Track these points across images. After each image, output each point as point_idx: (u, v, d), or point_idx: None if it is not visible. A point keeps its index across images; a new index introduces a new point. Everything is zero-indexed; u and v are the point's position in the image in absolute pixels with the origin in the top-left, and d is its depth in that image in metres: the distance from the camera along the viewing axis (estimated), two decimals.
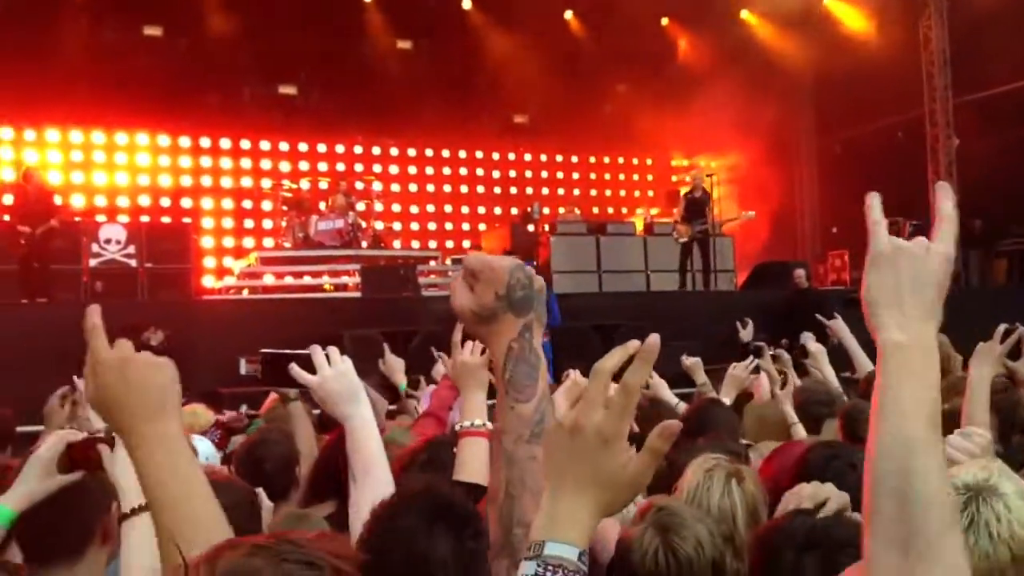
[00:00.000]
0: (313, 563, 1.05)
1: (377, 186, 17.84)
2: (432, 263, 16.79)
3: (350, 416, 2.24)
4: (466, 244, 19.93)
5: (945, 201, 1.31)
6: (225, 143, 18.59)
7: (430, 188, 20.35)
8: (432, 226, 20.23)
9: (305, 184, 17.32)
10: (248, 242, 18.11)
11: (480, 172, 20.90)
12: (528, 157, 21.34)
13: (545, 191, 21.24)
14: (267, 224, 18.22)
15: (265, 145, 18.90)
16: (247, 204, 18.52)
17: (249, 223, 18.47)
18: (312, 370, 2.28)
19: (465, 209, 20.66)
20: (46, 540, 2.18)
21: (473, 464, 2.55)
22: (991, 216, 17.40)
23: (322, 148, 19.36)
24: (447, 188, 20.50)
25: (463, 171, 20.73)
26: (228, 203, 18.47)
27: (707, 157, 21.30)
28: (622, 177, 22.51)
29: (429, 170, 20.39)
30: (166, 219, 17.15)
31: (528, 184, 21.30)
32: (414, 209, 20.12)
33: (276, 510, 3.37)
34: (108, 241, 13.37)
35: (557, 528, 1.16)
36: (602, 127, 19.85)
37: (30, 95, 15.55)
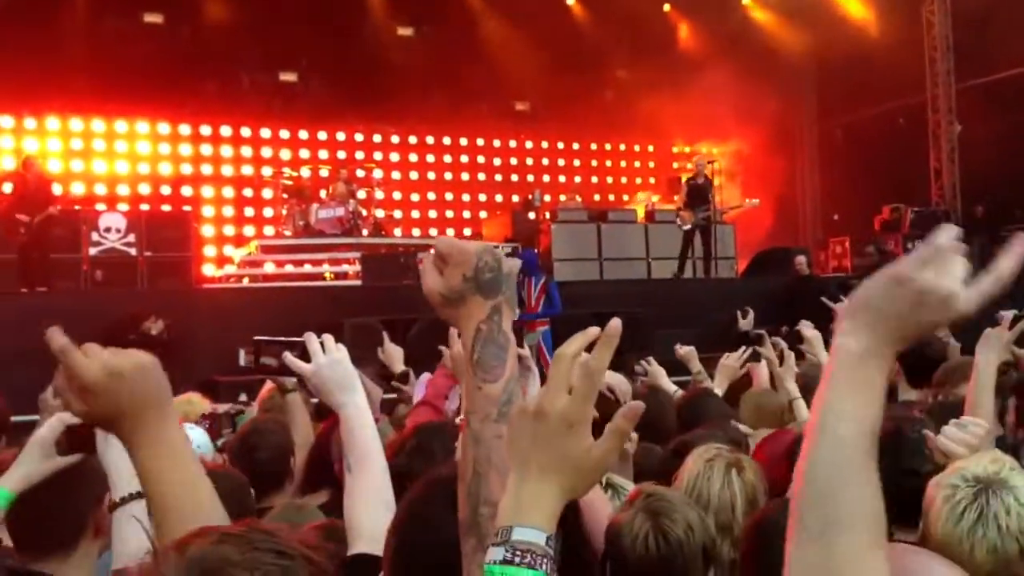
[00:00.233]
0: (284, 552, 1.05)
1: (378, 174, 17.81)
2: (433, 251, 16.75)
3: (344, 404, 2.22)
4: (467, 232, 19.91)
5: (1009, 258, 1.24)
6: (225, 131, 18.55)
7: (431, 176, 20.31)
8: (433, 214, 20.20)
9: (305, 172, 17.29)
10: (248, 230, 18.09)
11: (481, 159, 20.86)
12: (529, 144, 21.29)
13: (546, 178, 21.19)
14: (267, 212, 18.19)
15: (265, 133, 18.86)
16: (247, 192, 18.49)
17: (249, 211, 18.45)
18: (307, 358, 2.26)
19: (466, 197, 20.63)
20: (39, 532, 2.19)
21: None
22: (993, 202, 17.38)
23: (322, 136, 19.31)
24: (448, 175, 20.47)
25: (464, 158, 20.69)
26: (228, 191, 18.44)
27: (708, 144, 21.24)
28: (623, 164, 22.46)
29: (430, 157, 20.35)
30: (166, 207, 17.14)
31: (529, 171, 21.26)
32: (415, 197, 20.08)
33: (272, 500, 3.36)
34: (108, 230, 13.36)
35: (523, 513, 1.16)
36: (603, 114, 19.81)
37: (30, 83, 15.53)
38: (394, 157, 19.90)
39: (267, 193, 18.13)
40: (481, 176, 20.83)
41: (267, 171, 18.02)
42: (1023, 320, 3.55)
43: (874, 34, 18.79)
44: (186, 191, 17.95)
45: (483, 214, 20.22)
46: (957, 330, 5.26)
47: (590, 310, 12.55)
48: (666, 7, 20.84)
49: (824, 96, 21.54)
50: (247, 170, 18.62)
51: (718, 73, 18.39)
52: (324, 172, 17.48)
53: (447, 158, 20.50)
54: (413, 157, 20.20)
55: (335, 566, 1.10)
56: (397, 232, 18.22)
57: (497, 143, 20.92)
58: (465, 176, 20.68)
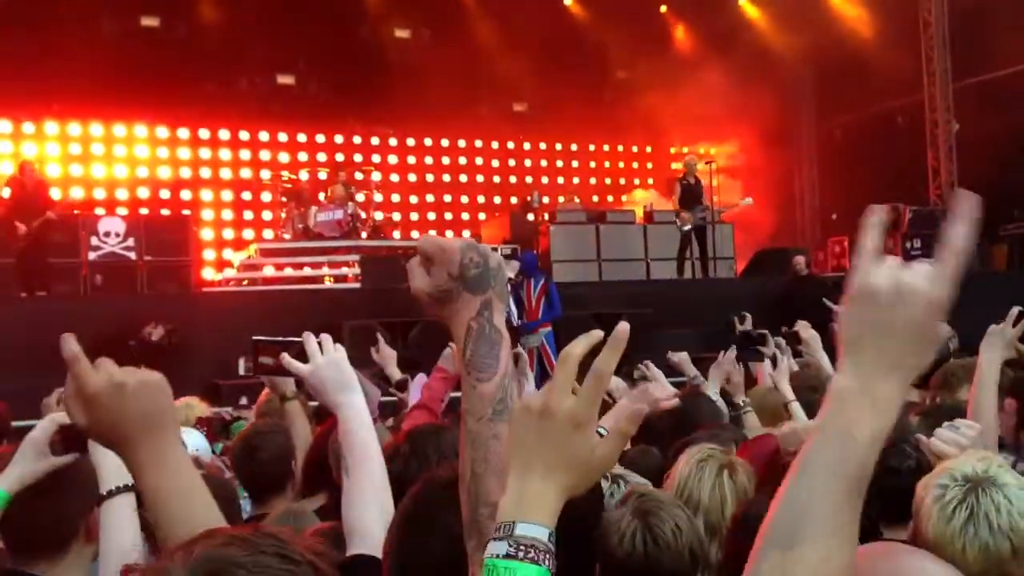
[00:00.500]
0: (290, 557, 1.05)
1: (376, 176, 17.82)
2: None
3: (342, 405, 2.21)
4: (466, 233, 19.90)
5: (958, 223, 1.17)
6: (224, 134, 18.56)
7: (429, 178, 20.33)
8: (432, 216, 20.21)
9: (304, 175, 17.29)
10: (248, 234, 18.09)
11: (479, 161, 20.88)
12: (527, 146, 21.30)
13: (545, 180, 21.20)
14: (266, 215, 18.20)
15: (264, 136, 18.86)
16: (246, 195, 18.50)
17: (248, 214, 18.46)
18: (305, 358, 2.25)
19: (465, 198, 20.64)
20: (29, 535, 2.20)
21: None
22: (992, 201, 17.36)
23: (320, 138, 19.32)
24: (446, 177, 20.48)
25: (462, 160, 20.70)
26: (227, 195, 18.45)
27: (706, 144, 21.25)
28: (621, 165, 22.47)
29: (428, 159, 20.36)
30: (165, 211, 17.14)
31: (527, 173, 21.27)
32: (413, 199, 20.09)
33: (273, 504, 3.36)
34: (107, 234, 13.36)
35: (526, 509, 1.16)
36: (601, 115, 19.83)
37: (28, 88, 15.54)
38: (392, 159, 19.91)
39: (266, 196, 18.13)
40: (479, 178, 20.84)
41: (266, 174, 18.03)
42: None
43: (871, 33, 18.80)
44: (185, 195, 17.95)
45: (482, 216, 20.23)
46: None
47: (589, 311, 12.58)
48: (663, 8, 20.86)
49: (822, 96, 21.55)
50: (246, 173, 18.63)
51: (715, 74, 18.41)
52: (323, 175, 17.49)
53: (445, 160, 20.51)
54: (411, 159, 20.21)
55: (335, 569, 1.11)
56: (396, 234, 18.22)
57: (495, 145, 20.93)
58: (463, 178, 20.68)
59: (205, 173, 18.39)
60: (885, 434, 1.13)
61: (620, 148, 22.32)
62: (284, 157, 18.88)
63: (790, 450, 2.37)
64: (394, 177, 19.78)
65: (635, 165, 22.57)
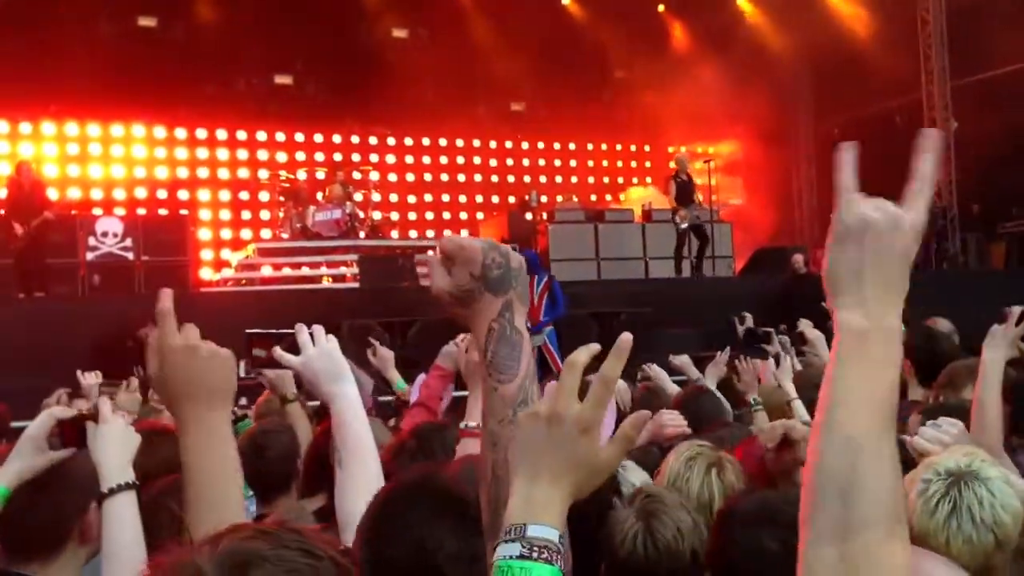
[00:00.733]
0: (313, 553, 1.07)
1: (374, 176, 17.81)
2: (430, 253, 16.73)
3: (335, 395, 2.20)
4: (464, 233, 19.90)
5: (925, 156, 1.21)
6: (221, 134, 18.55)
7: (427, 177, 20.32)
8: (430, 215, 20.21)
9: (302, 174, 17.28)
10: (246, 233, 18.08)
11: (477, 160, 20.87)
12: (525, 145, 21.29)
13: (543, 179, 21.20)
14: (264, 215, 18.20)
15: (261, 135, 18.85)
16: (244, 195, 18.49)
17: (246, 214, 18.45)
18: (298, 351, 2.24)
19: (463, 198, 20.63)
20: (23, 535, 2.20)
21: None
22: (990, 199, 17.40)
23: (318, 138, 19.32)
24: (444, 177, 20.47)
25: (460, 160, 20.69)
26: (225, 194, 18.44)
27: (704, 143, 21.26)
28: (620, 164, 22.48)
29: (426, 159, 20.36)
30: (163, 211, 17.13)
31: (525, 172, 21.26)
32: (411, 199, 20.09)
33: (277, 503, 3.36)
34: (105, 234, 13.36)
35: (536, 511, 1.18)
36: (599, 114, 19.84)
37: (25, 88, 15.52)
38: (390, 159, 19.91)
39: (264, 196, 18.12)
40: (477, 177, 20.83)
41: (263, 174, 18.02)
42: None
43: (869, 32, 18.82)
44: (183, 195, 17.94)
45: (480, 215, 20.24)
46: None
47: (588, 310, 12.57)
48: (660, 7, 20.86)
49: (820, 94, 21.56)
50: (243, 173, 18.62)
51: (713, 73, 18.41)
52: (320, 175, 17.48)
53: (443, 159, 20.51)
54: (409, 159, 20.21)
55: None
56: (394, 234, 18.23)
57: (493, 144, 20.93)
58: (461, 177, 20.68)
59: (203, 173, 18.38)
60: (900, 363, 1.16)
61: (618, 147, 22.33)
62: (282, 157, 18.87)
63: (768, 446, 2.38)
64: (392, 177, 19.78)
65: (633, 164, 22.58)
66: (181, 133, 18.21)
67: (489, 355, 1.40)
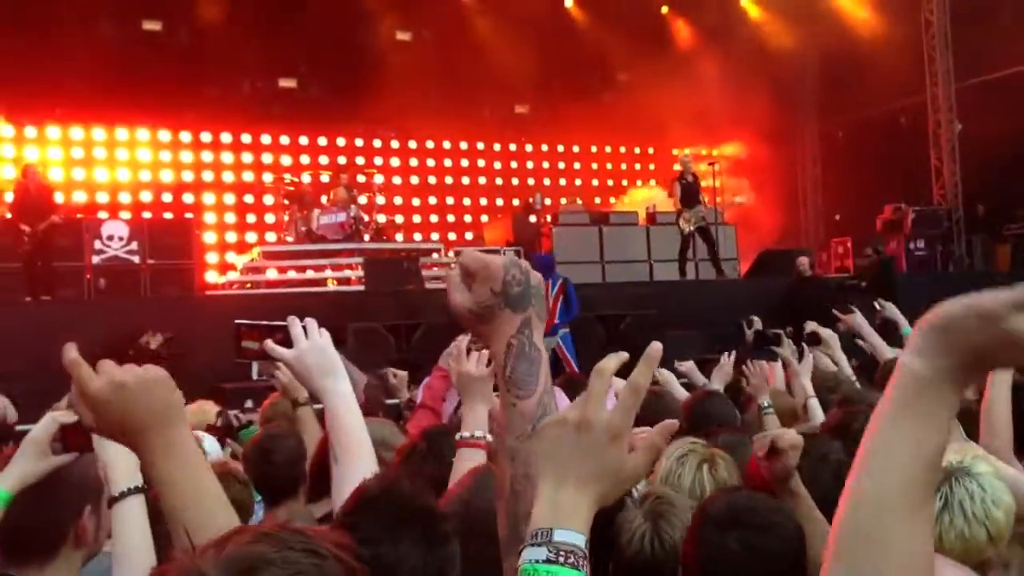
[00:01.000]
0: (317, 552, 1.07)
1: (378, 179, 17.82)
2: (435, 255, 16.76)
3: (328, 390, 2.18)
4: (468, 236, 19.92)
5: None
6: (226, 137, 18.58)
7: (432, 180, 20.33)
8: (434, 218, 20.22)
9: (306, 178, 17.29)
10: (250, 237, 18.09)
11: (481, 163, 20.88)
12: (529, 147, 21.31)
13: (547, 181, 21.19)
14: (269, 218, 18.21)
15: (266, 139, 18.88)
16: (249, 199, 18.52)
17: (251, 218, 18.48)
18: (290, 345, 2.21)
19: (467, 201, 20.64)
20: (18, 539, 2.20)
21: None
22: (995, 201, 17.37)
23: (323, 141, 19.34)
24: (449, 180, 20.49)
25: (464, 162, 20.71)
26: (230, 198, 18.46)
27: (708, 145, 21.26)
28: (624, 167, 22.48)
29: (430, 162, 20.37)
30: (168, 215, 17.15)
31: (529, 174, 21.27)
32: (416, 201, 20.10)
33: (285, 507, 3.36)
34: (111, 238, 13.38)
35: (562, 517, 1.17)
36: (603, 116, 19.81)
37: (30, 92, 15.57)
38: (394, 162, 19.93)
39: (268, 199, 18.15)
40: (482, 180, 20.84)
41: (268, 177, 18.05)
42: None
43: (873, 34, 18.79)
44: (188, 198, 17.97)
45: (484, 218, 20.24)
46: None
47: (594, 313, 12.58)
48: (664, 9, 20.86)
49: (824, 96, 21.54)
50: (248, 176, 18.65)
51: (717, 74, 18.42)
52: (325, 178, 17.47)
53: (447, 162, 20.52)
54: (413, 161, 20.22)
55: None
56: (399, 237, 18.24)
57: (497, 146, 20.94)
58: (466, 180, 20.69)
59: (207, 176, 18.41)
60: (945, 435, 1.11)
61: (622, 149, 22.33)
62: (286, 160, 18.90)
63: (759, 454, 2.40)
64: (396, 179, 19.80)
65: (637, 166, 22.58)
66: (186, 136, 18.25)
67: (508, 371, 1.39)
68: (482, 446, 2.60)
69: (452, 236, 19.79)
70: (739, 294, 14.29)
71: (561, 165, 21.74)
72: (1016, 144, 16.22)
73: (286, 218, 16.38)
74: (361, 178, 17.37)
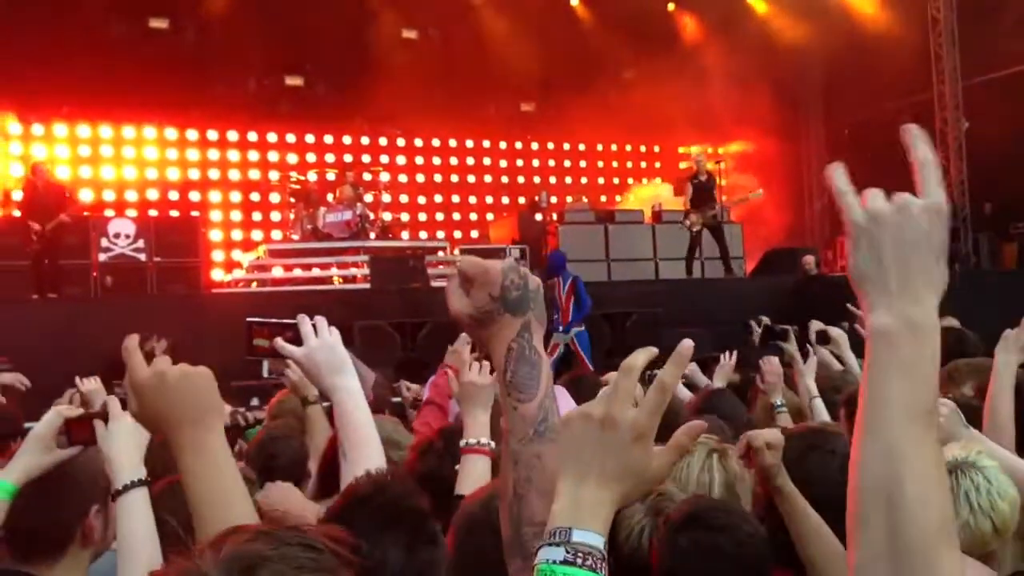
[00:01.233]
0: (313, 546, 1.08)
1: (384, 177, 17.84)
2: (440, 253, 16.79)
3: (337, 388, 2.19)
4: (474, 234, 19.94)
5: (918, 145, 1.20)
6: (232, 135, 18.61)
7: (437, 178, 20.35)
8: (440, 216, 20.24)
9: (312, 176, 17.32)
10: (256, 235, 18.13)
11: (487, 161, 20.89)
12: (535, 146, 21.31)
13: (553, 179, 21.21)
14: (275, 216, 18.24)
15: (272, 137, 18.91)
16: (255, 197, 18.55)
17: (257, 216, 18.51)
18: (300, 341, 2.23)
19: (473, 199, 20.66)
20: (27, 537, 2.21)
21: (473, 480, 2.56)
22: (1002, 199, 17.33)
23: (329, 139, 19.37)
24: (454, 178, 20.50)
25: (470, 160, 20.72)
26: (236, 196, 18.50)
27: (714, 143, 21.23)
28: (630, 165, 22.47)
29: (436, 160, 20.39)
30: (174, 213, 17.18)
31: (535, 173, 21.28)
32: (421, 199, 20.12)
33: None
34: (117, 235, 13.41)
35: (582, 516, 1.15)
36: (609, 114, 19.79)
37: (37, 90, 15.60)
38: (400, 160, 19.95)
39: (275, 197, 18.18)
40: (487, 178, 20.85)
41: (274, 175, 18.08)
42: None
43: (880, 31, 18.75)
44: (194, 196, 18.00)
45: (490, 216, 20.26)
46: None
47: (600, 311, 12.58)
48: (670, 6, 20.84)
49: (830, 94, 21.52)
50: (254, 174, 18.68)
51: (723, 72, 18.39)
52: (331, 176, 17.51)
53: (453, 160, 20.54)
54: (419, 160, 20.24)
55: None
56: (404, 235, 18.26)
57: (503, 145, 20.95)
58: (471, 178, 20.70)
59: (214, 174, 18.44)
60: (937, 358, 1.13)
61: (628, 147, 22.33)
62: (292, 158, 18.93)
63: (737, 456, 2.41)
64: (402, 177, 19.82)
65: (643, 164, 22.57)
66: (192, 134, 18.28)
67: (509, 375, 1.40)
68: (486, 452, 2.62)
69: (458, 234, 19.82)
70: (745, 292, 14.29)
71: (567, 163, 21.75)
72: (1023, 142, 16.18)
73: (292, 216, 16.41)
74: (367, 176, 17.37)
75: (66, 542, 2.25)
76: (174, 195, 17.91)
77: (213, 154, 18.48)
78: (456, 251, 17.03)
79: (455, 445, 2.77)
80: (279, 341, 2.24)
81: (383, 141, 19.75)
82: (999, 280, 15.15)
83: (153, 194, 17.75)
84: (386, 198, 17.34)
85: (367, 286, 13.84)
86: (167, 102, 16.65)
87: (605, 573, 1.14)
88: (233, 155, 18.65)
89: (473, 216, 20.50)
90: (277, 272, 15.58)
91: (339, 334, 2.27)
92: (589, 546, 1.13)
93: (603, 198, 20.88)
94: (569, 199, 18.80)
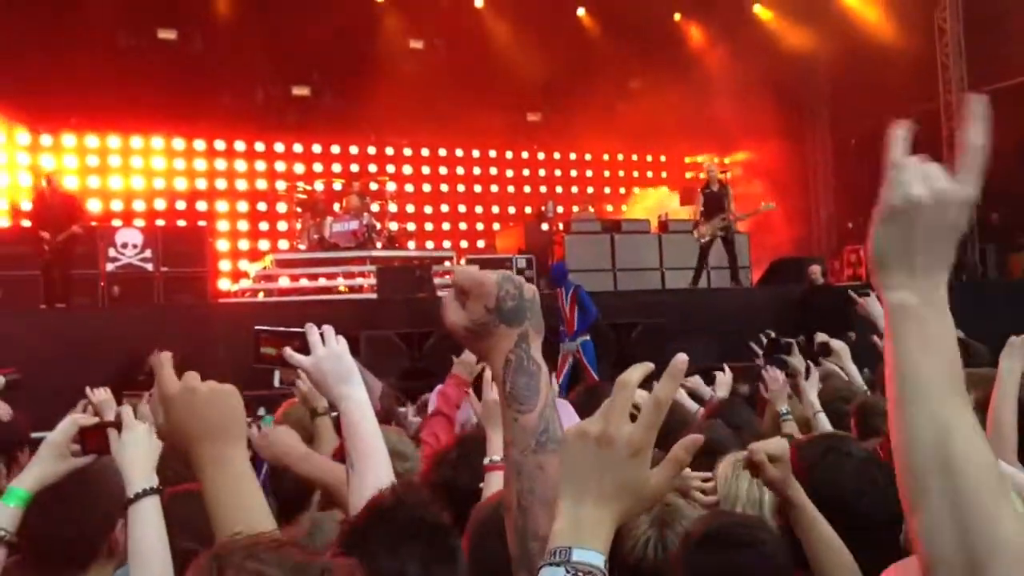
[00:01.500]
0: (306, 566, 1.10)
1: (391, 186, 17.87)
2: (447, 263, 16.79)
3: (344, 397, 2.18)
4: (480, 244, 19.96)
5: (976, 125, 1.20)
6: (239, 145, 18.67)
7: (444, 188, 20.38)
8: (446, 226, 20.26)
9: (319, 185, 17.36)
10: (263, 244, 18.18)
11: (494, 171, 20.92)
12: (541, 156, 21.34)
13: (559, 189, 21.23)
14: (282, 226, 18.28)
15: (279, 147, 18.97)
16: (262, 206, 18.60)
17: (264, 225, 18.55)
18: (308, 351, 2.23)
19: (479, 209, 20.68)
20: (52, 550, 2.22)
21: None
22: (1009, 209, 17.28)
23: (335, 149, 19.42)
24: (461, 188, 20.54)
25: (476, 170, 20.75)
26: (243, 206, 18.55)
27: (721, 152, 21.23)
28: (636, 174, 22.49)
29: (442, 170, 20.42)
30: (182, 223, 17.24)
31: (541, 183, 21.31)
32: (428, 209, 20.16)
33: (297, 520, 3.37)
34: (125, 245, 13.44)
35: (583, 535, 1.15)
36: (615, 124, 19.83)
37: (46, 100, 15.68)
38: (407, 170, 19.99)
39: (281, 207, 18.22)
40: (494, 188, 20.88)
41: (281, 185, 18.11)
42: None
43: (886, 41, 18.75)
44: (201, 206, 18.06)
45: (496, 226, 20.26)
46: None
47: (606, 321, 12.57)
48: (676, 16, 20.87)
49: (837, 104, 21.50)
50: (261, 184, 18.73)
51: (729, 82, 18.40)
52: (337, 185, 17.55)
53: (459, 170, 20.57)
54: (426, 169, 20.28)
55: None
56: (411, 245, 18.28)
57: (509, 154, 20.98)
58: (478, 188, 20.74)
59: (221, 184, 18.50)
60: (955, 338, 1.16)
61: (634, 157, 22.34)
62: (299, 168, 18.98)
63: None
64: (409, 187, 19.85)
65: (649, 174, 22.58)
66: (200, 145, 18.34)
67: (508, 386, 1.39)
68: None
69: (464, 244, 19.85)
70: (751, 302, 14.27)
71: (573, 173, 21.76)
72: None
73: (299, 226, 16.44)
74: (373, 186, 17.42)
75: (91, 555, 2.26)
76: (181, 205, 17.97)
77: (220, 164, 18.54)
78: (462, 261, 17.05)
79: (469, 455, 2.76)
80: (287, 350, 2.25)
81: (389, 151, 19.80)
82: (1006, 290, 15.12)
83: (160, 204, 17.82)
84: (392, 208, 17.37)
85: (373, 296, 13.84)
86: (175, 112, 16.70)
87: None
88: (240, 165, 18.71)
89: (479, 226, 20.52)
90: (284, 282, 15.59)
91: (347, 343, 2.27)
92: (590, 565, 1.13)
93: (609, 208, 20.89)
94: (575, 209, 18.80)
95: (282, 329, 2.33)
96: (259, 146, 18.79)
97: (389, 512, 1.81)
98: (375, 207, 16.43)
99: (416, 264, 15.12)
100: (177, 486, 2.23)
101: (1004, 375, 3.01)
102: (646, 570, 2.17)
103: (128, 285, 13.27)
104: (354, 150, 19.53)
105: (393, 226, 17.11)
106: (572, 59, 18.78)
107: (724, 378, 5.37)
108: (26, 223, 13.66)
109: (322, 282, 15.44)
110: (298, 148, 19.10)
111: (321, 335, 2.24)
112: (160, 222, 16.72)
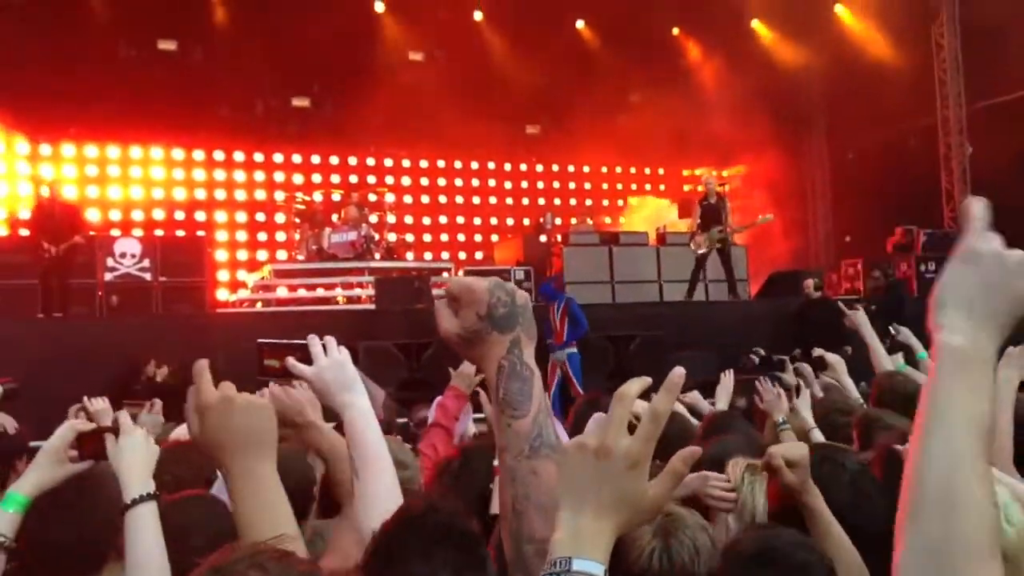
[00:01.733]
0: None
1: (390, 198, 17.88)
2: (445, 274, 16.79)
3: (347, 405, 2.19)
4: (479, 255, 19.97)
5: (972, 224, 1.26)
6: (239, 156, 18.70)
7: (442, 199, 20.41)
8: (445, 237, 20.28)
9: (318, 196, 17.37)
10: (262, 255, 18.19)
11: (492, 183, 20.96)
12: (540, 168, 21.38)
13: (557, 201, 21.27)
14: (280, 237, 18.30)
15: (278, 157, 19.00)
16: (260, 217, 18.61)
17: (263, 236, 18.56)
18: (310, 362, 2.24)
19: (478, 220, 20.71)
20: (61, 556, 2.22)
21: None
22: (1006, 225, 17.31)
23: (335, 160, 19.46)
24: (459, 199, 20.57)
25: (475, 182, 20.79)
26: (242, 216, 18.56)
27: (719, 166, 21.27)
28: (634, 187, 22.53)
29: (441, 181, 20.45)
30: (180, 232, 17.23)
31: (540, 195, 21.35)
32: (426, 220, 20.17)
33: (304, 527, 3.37)
34: (123, 255, 13.44)
35: (582, 546, 1.16)
36: (613, 137, 19.86)
37: (45, 110, 15.70)
38: (406, 181, 20.02)
39: (280, 218, 18.24)
40: (492, 200, 20.92)
41: (280, 196, 18.14)
42: None
43: (884, 56, 18.83)
44: (200, 216, 18.08)
45: (495, 238, 20.28)
46: None
47: (603, 333, 12.57)
48: (675, 30, 20.94)
49: (834, 118, 21.56)
50: (260, 195, 18.75)
51: (728, 96, 18.45)
52: (336, 196, 17.56)
53: (458, 182, 20.61)
54: (424, 181, 20.31)
55: None
56: (409, 256, 18.29)
57: (508, 166, 21.02)
58: (476, 200, 20.77)
59: (220, 195, 18.52)
60: (994, 401, 1.18)
61: (633, 170, 22.39)
62: (298, 178, 19.01)
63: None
64: (407, 199, 19.88)
65: (648, 187, 22.63)
66: (199, 155, 18.37)
67: (501, 392, 1.40)
68: None
69: (463, 255, 19.85)
70: (748, 315, 14.28)
71: (572, 185, 21.81)
72: None
73: (297, 236, 16.45)
74: (372, 197, 17.43)
75: (101, 560, 2.26)
76: (180, 215, 17.98)
77: (219, 174, 18.56)
78: (460, 273, 17.05)
79: (474, 465, 2.76)
80: (290, 360, 2.25)
81: (388, 162, 19.84)
82: None
83: (159, 214, 17.83)
84: (391, 219, 17.39)
85: (372, 307, 13.84)
86: (174, 123, 16.74)
87: None
88: (239, 175, 18.73)
89: (478, 237, 20.55)
90: (282, 292, 15.59)
91: (348, 353, 2.27)
92: (589, 575, 1.14)
93: (607, 220, 20.91)
94: (574, 221, 18.82)
95: (284, 341, 2.33)
96: (258, 156, 18.82)
97: (420, 519, 1.82)
98: (374, 218, 16.45)
99: (414, 275, 15.12)
100: (175, 493, 2.24)
101: (1001, 383, 3.02)
102: None
103: (126, 295, 13.26)
104: (353, 161, 19.56)
105: (392, 237, 17.11)
106: (571, 72, 18.83)
107: (726, 381, 5.34)
108: (25, 232, 13.64)
109: (320, 293, 15.44)
110: (297, 159, 19.13)
111: (323, 345, 2.25)
112: (159, 232, 16.69)
